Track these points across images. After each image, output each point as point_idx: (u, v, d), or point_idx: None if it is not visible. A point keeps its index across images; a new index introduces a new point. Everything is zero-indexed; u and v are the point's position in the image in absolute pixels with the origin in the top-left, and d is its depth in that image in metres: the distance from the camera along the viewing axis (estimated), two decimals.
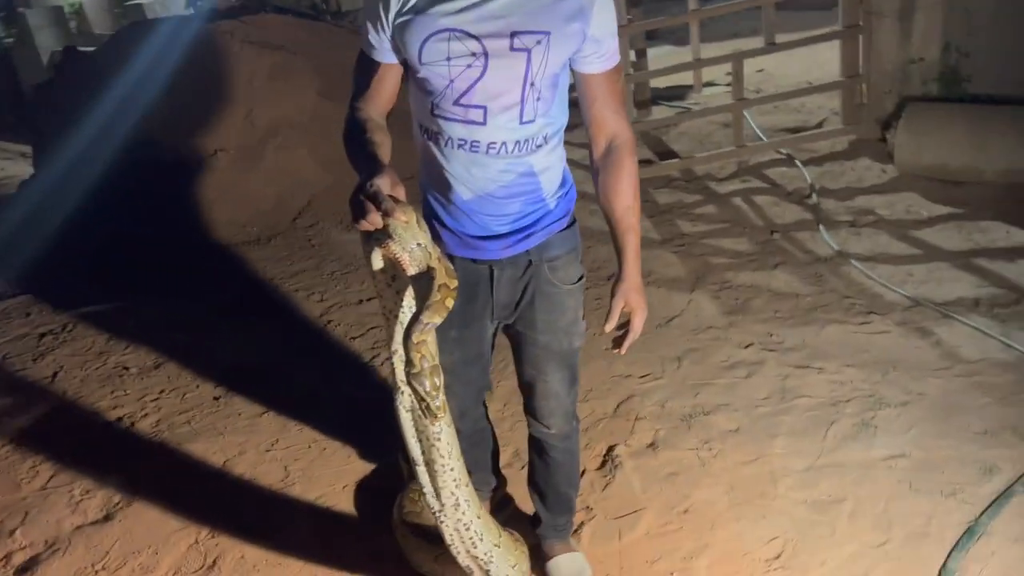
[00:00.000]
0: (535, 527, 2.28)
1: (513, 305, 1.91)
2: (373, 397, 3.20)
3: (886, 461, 2.55)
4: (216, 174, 5.22)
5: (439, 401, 1.52)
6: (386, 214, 1.40)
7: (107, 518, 2.59)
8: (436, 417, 1.53)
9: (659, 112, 6.19)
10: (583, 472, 2.61)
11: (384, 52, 1.71)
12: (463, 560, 1.88)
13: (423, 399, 1.51)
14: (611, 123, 1.81)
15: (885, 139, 4.85)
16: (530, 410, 2.11)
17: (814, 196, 4.54)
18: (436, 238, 1.78)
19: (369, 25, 1.70)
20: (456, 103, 1.67)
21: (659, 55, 7.50)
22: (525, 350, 1.98)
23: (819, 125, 5.41)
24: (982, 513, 2.28)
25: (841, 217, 4.32)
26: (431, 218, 1.85)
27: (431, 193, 1.85)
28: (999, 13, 4.50)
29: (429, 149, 1.77)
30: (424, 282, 1.50)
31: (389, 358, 1.67)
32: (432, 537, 2.24)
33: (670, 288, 3.77)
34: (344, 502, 2.63)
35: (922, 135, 4.51)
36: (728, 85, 6.41)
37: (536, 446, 2.17)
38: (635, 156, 1.84)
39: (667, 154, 5.43)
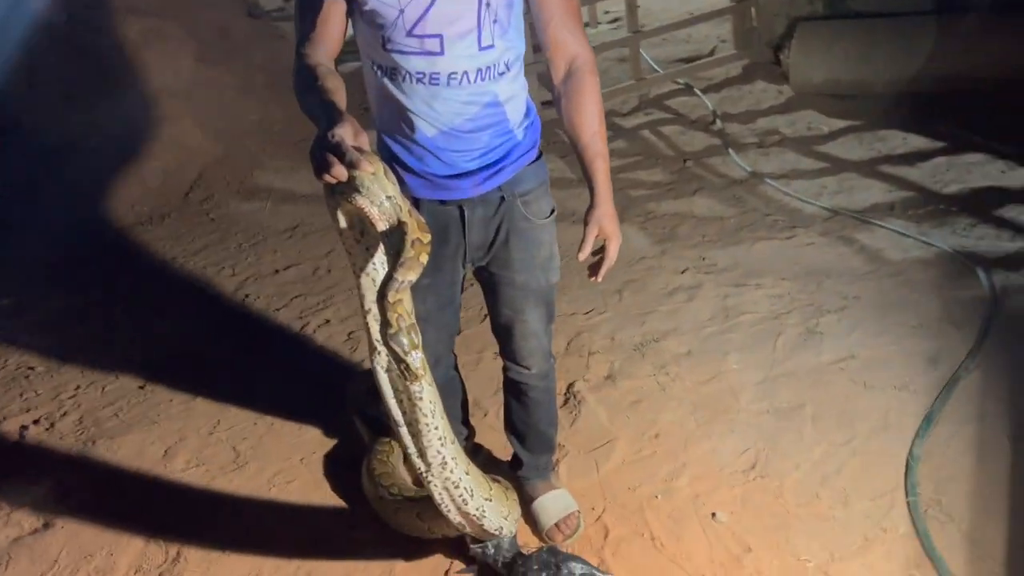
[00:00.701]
0: (515, 470, 2.24)
1: (487, 246, 1.83)
2: (311, 367, 3.08)
3: (836, 364, 2.63)
4: (92, 155, 4.84)
5: (419, 361, 1.44)
6: (351, 166, 1.31)
7: (46, 526, 2.37)
8: (417, 377, 1.46)
9: None
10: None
11: None
12: (454, 518, 1.82)
13: (402, 360, 1.43)
14: (570, 44, 1.73)
15: (779, 61, 4.97)
16: (507, 353, 2.04)
17: (718, 122, 4.61)
18: (400, 182, 1.67)
19: None
20: (410, 34, 1.57)
21: None
22: (501, 291, 1.90)
23: (711, 53, 5.49)
24: (935, 401, 2.39)
25: (747, 140, 4.41)
26: (391, 160, 1.73)
27: (388, 135, 1.74)
28: None
29: (384, 87, 1.66)
30: (395, 237, 1.42)
31: (362, 321, 1.57)
32: (409, 495, 2.19)
33: None
34: (305, 475, 2.51)
35: (813, 54, 4.64)
36: (613, 22, 6.42)
37: (513, 389, 2.11)
38: (597, 76, 1.77)
39: None
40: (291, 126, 5.57)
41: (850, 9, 4.84)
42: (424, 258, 1.41)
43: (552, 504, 2.18)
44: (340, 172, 1.30)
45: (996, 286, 2.83)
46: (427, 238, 1.42)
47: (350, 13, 1.63)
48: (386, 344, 1.44)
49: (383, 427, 2.54)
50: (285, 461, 2.58)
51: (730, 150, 4.25)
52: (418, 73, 1.61)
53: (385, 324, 1.42)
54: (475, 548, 2.01)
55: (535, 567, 1.92)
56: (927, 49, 4.34)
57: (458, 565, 2.09)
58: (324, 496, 2.44)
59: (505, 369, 2.10)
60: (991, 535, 1.96)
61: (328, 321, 3.38)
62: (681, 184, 4.02)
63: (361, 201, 1.37)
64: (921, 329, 2.71)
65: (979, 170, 3.66)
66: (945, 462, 2.19)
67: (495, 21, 1.61)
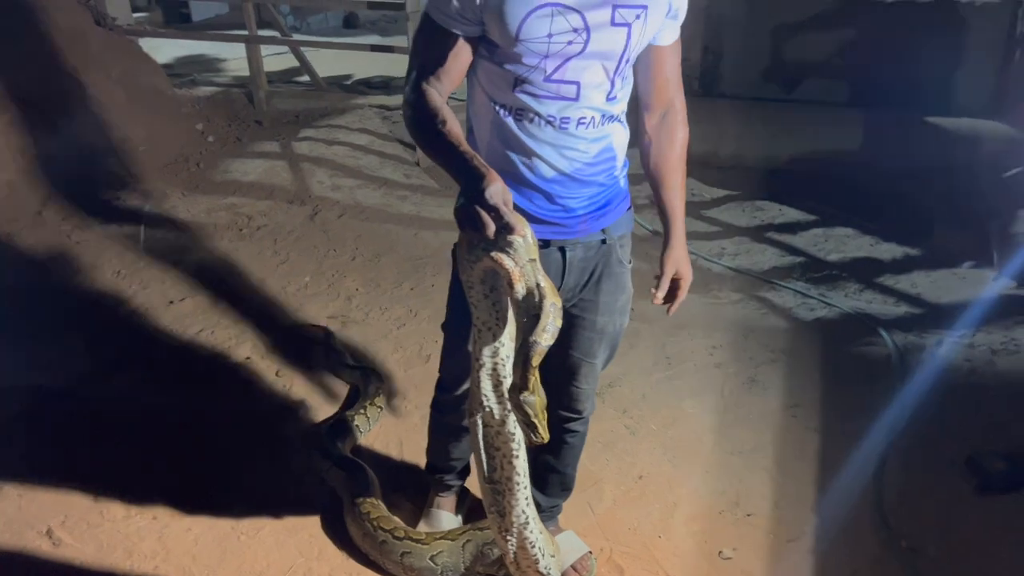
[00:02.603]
0: None
1: (579, 288, 1.82)
2: (241, 406, 2.84)
3: (785, 410, 2.83)
4: None
5: (544, 422, 1.48)
6: (508, 229, 1.36)
7: None
8: (543, 439, 1.48)
9: None
10: None
11: (468, 24, 1.56)
12: (522, 573, 1.79)
13: (531, 422, 1.46)
14: (671, 94, 1.79)
15: None
16: (560, 398, 1.98)
17: None
18: None
19: None
20: (548, 79, 1.57)
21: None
22: (577, 335, 1.87)
23: None
24: (883, 445, 2.63)
25: (641, 201, 4.66)
26: None
27: (499, 173, 1.70)
28: (746, 22, 5.18)
29: (506, 126, 1.64)
30: (528, 300, 1.45)
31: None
32: (417, 537, 2.11)
33: None
34: (273, 523, 2.30)
35: (695, 125, 5.01)
36: None
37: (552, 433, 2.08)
38: (687, 128, 1.85)
39: None
40: (155, 148, 5.17)
41: (722, 91, 5.35)
42: (559, 322, 1.44)
43: (565, 546, 2.15)
44: (492, 231, 1.35)
45: (898, 344, 3.19)
46: (560, 303, 1.45)
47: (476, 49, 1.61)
48: (515, 404, 1.47)
49: (348, 463, 2.42)
50: (245, 507, 2.36)
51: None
52: (549, 116, 1.61)
53: (521, 386, 1.44)
54: None
55: None
56: (792, 131, 4.88)
57: None
58: (303, 543, 2.25)
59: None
60: (962, 561, 2.19)
61: (249, 358, 3.15)
62: None
63: (507, 262, 1.41)
64: (849, 381, 2.99)
65: (852, 242, 4.12)
66: (905, 501, 2.42)
67: (624, 75, 1.66)
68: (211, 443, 2.65)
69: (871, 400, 2.87)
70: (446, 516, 2.25)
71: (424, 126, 1.54)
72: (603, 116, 1.64)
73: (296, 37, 6.79)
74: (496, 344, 1.56)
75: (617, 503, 2.42)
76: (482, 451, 1.63)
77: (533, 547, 1.72)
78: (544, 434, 1.47)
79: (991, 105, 4.97)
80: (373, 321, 3.44)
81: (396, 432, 2.75)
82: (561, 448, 2.07)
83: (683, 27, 1.72)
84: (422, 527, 2.24)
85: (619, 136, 1.72)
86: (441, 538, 2.10)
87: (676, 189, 1.82)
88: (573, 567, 2.11)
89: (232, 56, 8.03)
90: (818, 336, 3.29)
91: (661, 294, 1.81)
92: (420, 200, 4.72)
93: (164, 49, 6.47)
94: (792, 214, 4.48)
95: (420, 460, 2.60)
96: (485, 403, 1.58)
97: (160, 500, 2.37)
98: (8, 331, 3.27)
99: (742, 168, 4.95)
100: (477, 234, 1.38)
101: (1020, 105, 4.65)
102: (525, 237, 1.41)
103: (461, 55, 1.59)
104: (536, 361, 1.42)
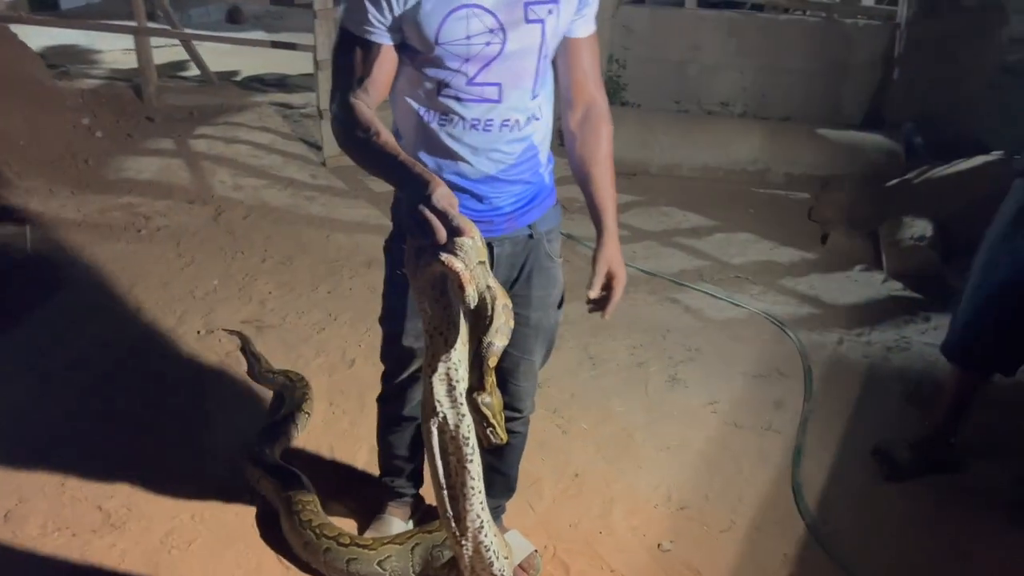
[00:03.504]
0: None
1: (509, 283, 1.82)
2: (161, 413, 2.71)
3: (705, 407, 2.94)
4: None
5: (503, 423, 1.49)
6: (456, 232, 1.35)
7: None
8: (502, 440, 1.50)
9: None
10: None
11: (386, 33, 1.56)
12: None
13: (490, 423, 1.47)
14: (591, 89, 1.81)
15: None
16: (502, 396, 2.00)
17: None
18: None
19: (369, 4, 1.53)
20: (471, 82, 1.60)
21: None
22: (513, 332, 1.89)
23: None
24: (796, 437, 2.78)
25: (580, 204, 4.73)
26: None
27: None
28: (650, 32, 5.36)
29: (430, 131, 1.66)
30: (481, 303, 1.45)
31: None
32: (364, 542, 2.08)
33: None
34: (205, 534, 2.21)
35: None
36: None
37: None
38: (611, 124, 1.87)
39: None
40: (37, 142, 4.85)
41: (624, 100, 5.50)
42: (512, 323, 1.46)
43: (511, 546, 2.16)
44: (443, 235, 1.34)
45: (802, 342, 3.37)
46: (510, 303, 1.46)
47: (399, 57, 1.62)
48: (473, 407, 1.48)
49: (281, 470, 2.35)
50: (172, 520, 2.25)
51: None
52: (473, 119, 1.63)
53: (477, 387, 1.45)
54: None
55: None
56: (695, 141, 5.08)
57: None
58: (240, 555, 2.17)
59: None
60: (878, 543, 2.34)
61: (164, 363, 3.00)
62: None
63: (457, 264, 1.38)
64: (761, 378, 3.14)
65: (753, 247, 4.32)
66: (821, 489, 2.56)
67: (543, 72, 1.68)
68: (130, 454, 2.51)
69: (782, 395, 3.03)
70: (397, 523, 2.22)
71: (358, 141, 1.53)
72: (527, 118, 1.67)
73: (186, 31, 6.49)
74: (449, 350, 1.54)
75: (556, 501, 2.45)
76: (437, 457, 1.61)
77: (488, 551, 1.71)
78: (503, 434, 1.48)
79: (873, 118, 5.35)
80: (290, 326, 3.35)
81: (326, 438, 2.68)
82: (504, 449, 2.07)
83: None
84: (370, 534, 2.19)
85: (540, 133, 1.74)
86: (389, 543, 2.07)
87: (605, 186, 1.81)
88: (520, 566, 2.12)
89: (107, 48, 7.63)
90: (730, 335, 3.44)
91: (594, 293, 1.78)
92: (328, 201, 4.62)
93: (31, 39, 6.03)
94: (695, 219, 4.65)
95: (353, 465, 2.57)
96: (438, 408, 1.55)
97: (78, 515, 2.23)
98: None
99: (644, 174, 5.11)
100: (427, 240, 1.37)
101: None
102: (474, 239, 1.39)
103: (384, 64, 1.59)
104: (492, 362, 1.43)
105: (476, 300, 1.41)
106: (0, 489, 2.28)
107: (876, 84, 5.33)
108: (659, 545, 2.29)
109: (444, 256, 1.37)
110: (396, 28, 1.55)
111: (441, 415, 1.55)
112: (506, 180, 1.72)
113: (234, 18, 9.83)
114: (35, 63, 5.54)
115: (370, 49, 1.57)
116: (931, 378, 3.08)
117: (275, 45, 5.59)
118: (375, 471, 2.33)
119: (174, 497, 2.35)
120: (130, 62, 7.11)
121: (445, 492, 1.64)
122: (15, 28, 5.74)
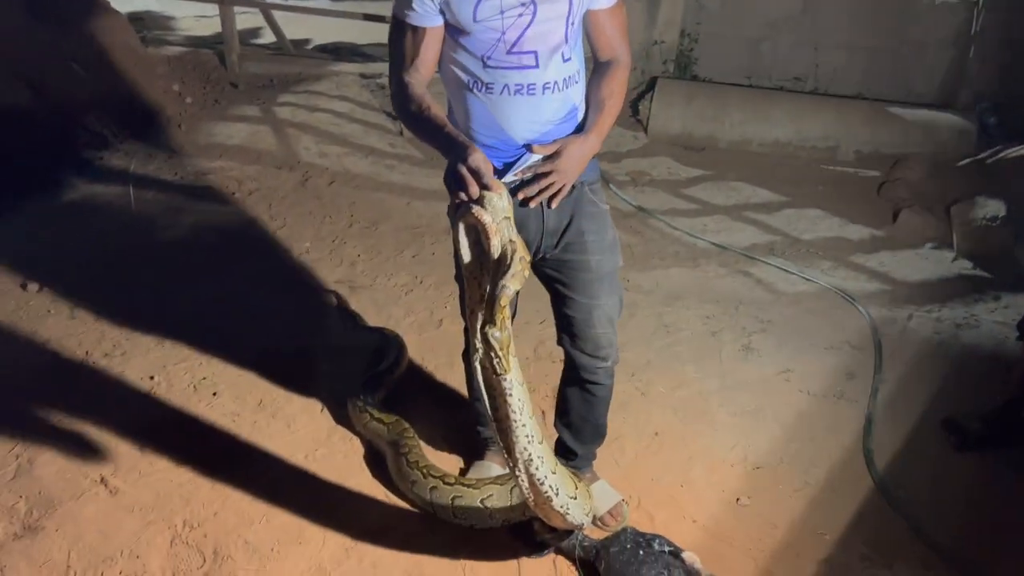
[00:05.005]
0: (565, 460, 2.35)
1: (560, 231, 1.97)
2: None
3: (779, 375, 3.07)
4: None
5: (510, 357, 1.66)
6: (486, 187, 1.61)
7: (31, 529, 2.06)
8: (506, 370, 1.66)
9: None
10: (544, 413, 2.72)
11: (430, 16, 1.79)
12: (539, 511, 1.94)
13: (497, 354, 1.65)
14: (616, 47, 1.96)
15: (635, 111, 5.53)
16: (581, 346, 2.15)
17: None
18: None
19: None
20: (510, 52, 1.79)
21: None
22: (577, 279, 2.03)
23: None
24: (868, 406, 2.90)
25: (621, 177, 4.86)
26: None
27: (478, 142, 1.86)
28: (722, 7, 5.40)
29: (478, 101, 1.85)
30: (504, 252, 1.64)
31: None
32: (467, 482, 2.26)
33: None
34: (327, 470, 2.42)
35: (672, 107, 5.26)
36: None
37: (578, 382, 2.22)
38: (628, 76, 2.00)
39: None
40: (133, 108, 5.10)
41: (696, 74, 5.56)
42: (527, 272, 1.65)
43: (599, 494, 2.34)
44: (475, 191, 1.61)
45: (873, 317, 3.47)
46: (529, 257, 1.66)
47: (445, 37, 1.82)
48: (483, 339, 1.66)
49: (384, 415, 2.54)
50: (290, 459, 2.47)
51: (611, 185, 4.66)
52: (516, 85, 1.82)
53: (489, 322, 1.64)
54: (545, 536, 2.14)
55: (628, 545, 2.08)
56: (767, 117, 5.14)
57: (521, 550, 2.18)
58: (360, 487, 2.38)
59: (573, 365, 2.21)
60: (948, 509, 2.46)
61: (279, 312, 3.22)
62: None
63: (485, 217, 1.61)
64: (833, 349, 3.25)
65: (823, 223, 4.40)
66: (892, 454, 2.68)
67: (573, 38, 1.85)
68: (243, 397, 2.73)
69: (854, 367, 3.14)
70: (495, 468, 2.41)
71: (411, 114, 1.81)
72: (565, 79, 1.84)
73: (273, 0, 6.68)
74: (482, 292, 1.71)
75: (639, 457, 2.61)
76: (483, 392, 1.77)
77: (542, 484, 1.84)
78: (506, 365, 1.65)
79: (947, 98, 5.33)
80: (380, 287, 3.55)
81: (421, 391, 2.87)
82: (588, 398, 2.23)
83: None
84: (470, 475, 2.38)
85: (578, 93, 1.91)
86: (491, 483, 2.25)
87: (608, 106, 1.92)
88: (609, 513, 2.30)
89: (180, 14, 7.88)
90: (802, 308, 3.54)
91: (542, 149, 1.85)
92: (408, 170, 4.80)
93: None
94: (764, 195, 4.73)
95: (444, 419, 2.75)
96: (477, 344, 1.72)
97: (199, 455, 2.46)
98: None
99: (714, 149, 5.19)
100: (463, 194, 1.61)
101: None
102: (501, 196, 1.63)
103: (431, 45, 1.83)
104: (504, 302, 1.61)
105: (499, 250, 1.63)
106: (132, 429, 2.52)
107: (951, 63, 5.31)
108: (737, 500, 2.44)
109: (476, 209, 1.62)
110: (438, 12, 1.79)
111: (480, 350, 1.71)
112: (551, 138, 1.87)
113: None
114: (128, 31, 5.78)
115: (416, 32, 1.82)
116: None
117: (367, 18, 5.76)
118: (467, 422, 2.52)
119: (288, 439, 2.56)
120: (203, 28, 7.38)
121: (494, 425, 1.80)
122: None
